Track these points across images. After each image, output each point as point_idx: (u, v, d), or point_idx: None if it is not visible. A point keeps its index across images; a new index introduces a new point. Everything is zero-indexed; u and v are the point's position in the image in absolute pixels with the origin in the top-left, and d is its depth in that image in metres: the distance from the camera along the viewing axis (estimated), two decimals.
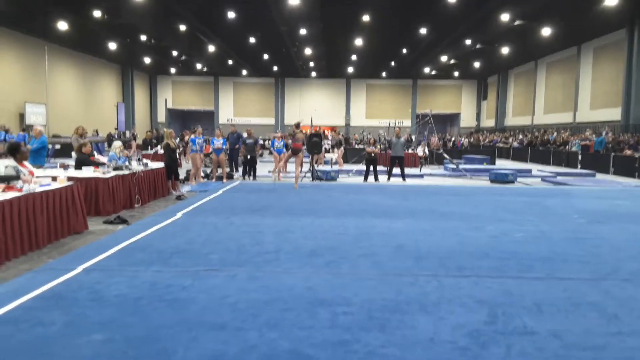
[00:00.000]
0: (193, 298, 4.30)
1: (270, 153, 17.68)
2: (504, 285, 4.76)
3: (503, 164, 22.83)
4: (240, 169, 15.69)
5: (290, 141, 14.71)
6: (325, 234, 7.04)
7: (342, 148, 21.58)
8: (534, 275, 5.16)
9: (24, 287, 4.51)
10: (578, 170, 19.95)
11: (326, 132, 27.33)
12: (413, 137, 26.60)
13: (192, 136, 14.24)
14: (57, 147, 22.19)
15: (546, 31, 24.37)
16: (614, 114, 24.05)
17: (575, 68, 28.34)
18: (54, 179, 6.97)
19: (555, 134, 27.88)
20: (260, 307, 4.10)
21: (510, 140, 31.39)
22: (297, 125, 13.57)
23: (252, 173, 14.88)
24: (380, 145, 18.98)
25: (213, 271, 5.11)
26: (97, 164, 9.47)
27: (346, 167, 19.37)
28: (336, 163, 19.71)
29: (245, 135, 15.32)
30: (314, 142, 14.87)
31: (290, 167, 16.19)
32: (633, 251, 6.25)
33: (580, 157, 21.54)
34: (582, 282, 4.92)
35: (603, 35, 25.41)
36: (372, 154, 14.74)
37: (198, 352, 3.28)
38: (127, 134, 28.26)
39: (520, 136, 31.30)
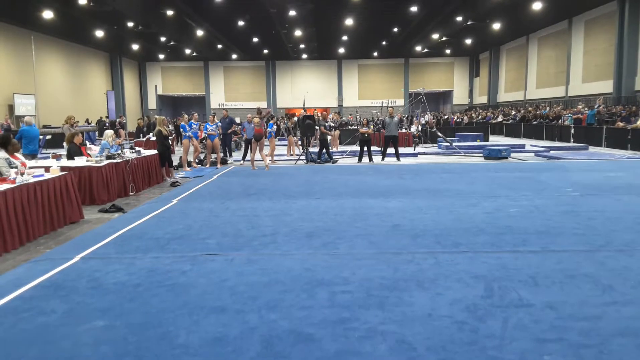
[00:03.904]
0: (192, 283, 4.32)
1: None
2: (499, 260, 4.81)
3: (496, 140, 22.85)
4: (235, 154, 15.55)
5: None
6: (322, 216, 7.06)
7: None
8: (529, 249, 5.21)
9: (22, 277, 4.53)
10: (571, 144, 20.01)
11: (330, 115, 26.71)
12: (404, 118, 26.29)
13: (182, 122, 14.10)
14: (48, 137, 21.97)
15: (537, 5, 24.17)
16: (606, 86, 24.03)
17: (566, 42, 28.21)
18: (47, 169, 6.94)
19: (547, 108, 27.87)
20: (259, 290, 4.12)
21: (510, 117, 31.06)
22: (259, 112, 13.39)
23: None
24: (373, 126, 18.93)
25: (211, 256, 5.13)
26: (89, 155, 9.43)
27: (340, 148, 19.33)
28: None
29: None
30: (307, 125, 14.81)
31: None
32: (627, 222, 6.31)
33: (572, 131, 21.59)
34: (577, 254, 4.98)
35: (594, 8, 25.24)
36: (366, 135, 14.72)
37: (200, 335, 3.31)
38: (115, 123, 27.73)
39: (513, 112, 31.22)
